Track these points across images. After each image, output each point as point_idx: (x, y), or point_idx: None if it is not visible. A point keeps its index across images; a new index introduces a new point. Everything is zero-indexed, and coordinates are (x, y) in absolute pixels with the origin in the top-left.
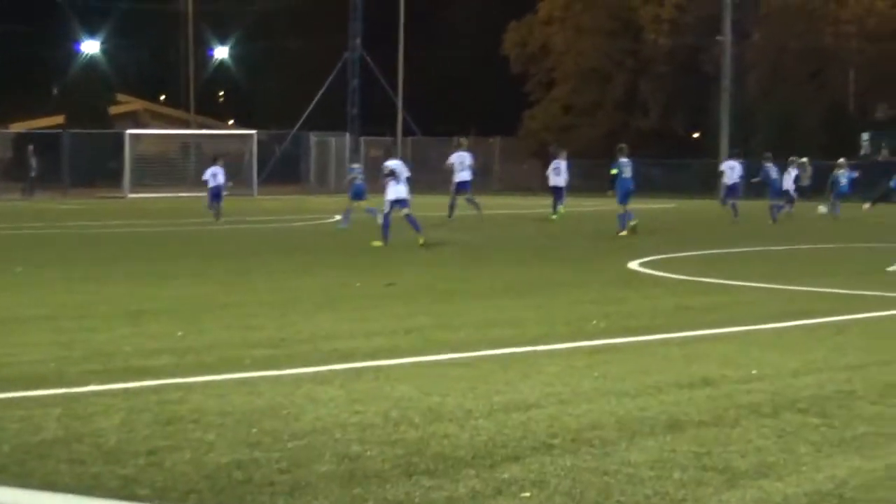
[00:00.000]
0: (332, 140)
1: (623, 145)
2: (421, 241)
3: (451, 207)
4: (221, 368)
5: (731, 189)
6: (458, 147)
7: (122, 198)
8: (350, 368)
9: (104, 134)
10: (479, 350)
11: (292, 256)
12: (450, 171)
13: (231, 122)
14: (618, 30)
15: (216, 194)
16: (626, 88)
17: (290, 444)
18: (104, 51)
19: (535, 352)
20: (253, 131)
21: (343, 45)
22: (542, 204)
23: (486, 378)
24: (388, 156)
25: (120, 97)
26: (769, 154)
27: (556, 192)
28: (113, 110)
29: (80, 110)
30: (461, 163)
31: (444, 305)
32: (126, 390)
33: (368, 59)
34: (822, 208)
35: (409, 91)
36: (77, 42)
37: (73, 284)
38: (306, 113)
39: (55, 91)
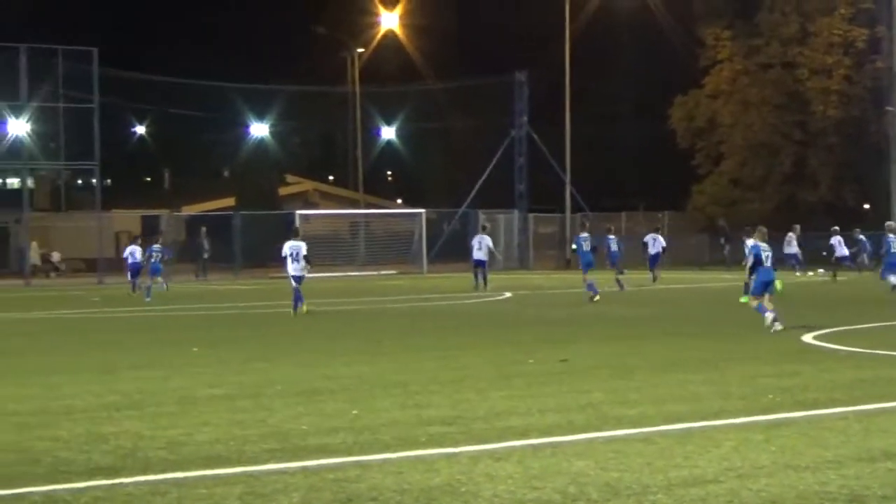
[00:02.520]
0: (501, 217)
1: (584, 221)
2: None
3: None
4: (397, 446)
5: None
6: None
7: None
8: (526, 445)
9: (274, 215)
10: (655, 425)
11: (463, 333)
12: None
13: (399, 200)
14: (785, 103)
15: (135, 272)
16: (794, 161)
17: None
18: (273, 133)
19: (711, 426)
20: (422, 210)
21: (509, 124)
22: (710, 278)
23: (662, 453)
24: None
25: (289, 178)
26: (891, 223)
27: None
28: (283, 191)
29: (251, 192)
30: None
31: (617, 381)
32: (304, 468)
33: (534, 136)
34: None
35: (576, 167)
36: (246, 125)
37: (248, 364)
38: (474, 191)
39: (226, 173)
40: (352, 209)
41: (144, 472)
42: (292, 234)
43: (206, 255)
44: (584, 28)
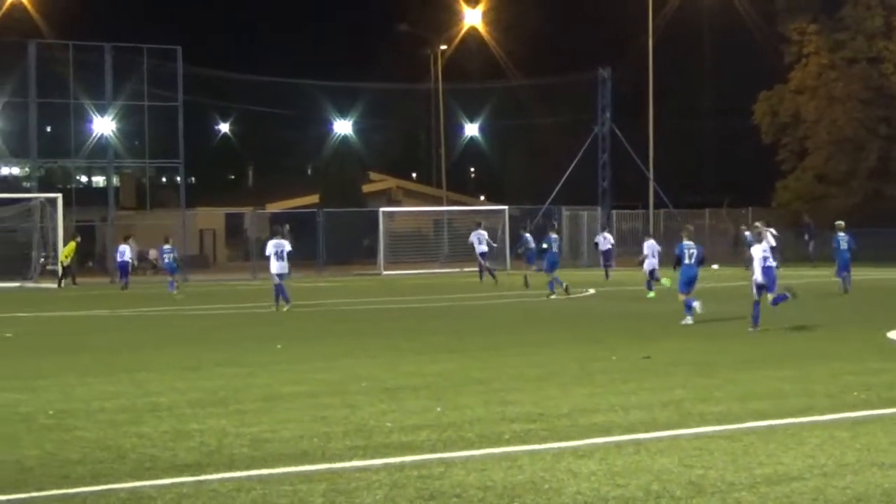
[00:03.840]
0: (584, 214)
1: (554, 223)
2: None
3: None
4: (481, 443)
5: None
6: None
7: (377, 275)
8: (609, 442)
9: (358, 212)
10: (739, 422)
11: (545, 330)
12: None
13: (482, 197)
14: (871, 98)
15: (124, 270)
16: (879, 156)
17: None
18: (357, 131)
19: (796, 423)
20: (504, 207)
21: (592, 120)
22: (794, 274)
23: (747, 451)
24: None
25: (373, 175)
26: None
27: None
28: (366, 188)
29: (334, 189)
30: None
31: (700, 378)
32: (388, 465)
33: (618, 132)
34: None
35: (659, 163)
36: (330, 123)
37: (332, 361)
38: (557, 187)
39: (310, 171)
40: (435, 206)
41: (229, 469)
42: (276, 233)
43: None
44: (667, 24)
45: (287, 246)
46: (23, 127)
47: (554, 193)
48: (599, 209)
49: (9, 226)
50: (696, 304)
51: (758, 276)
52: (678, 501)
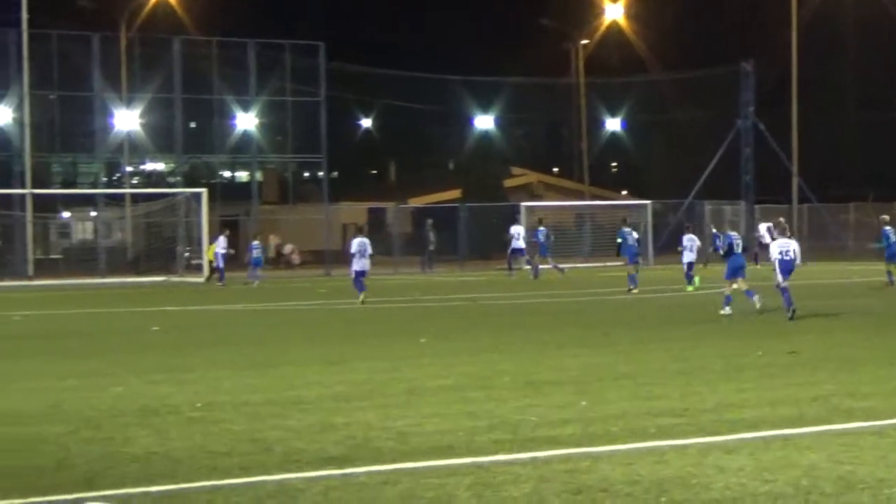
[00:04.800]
0: (727, 208)
1: (626, 217)
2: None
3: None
4: (627, 438)
5: None
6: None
7: (519, 269)
8: (757, 437)
9: (500, 207)
10: (889, 418)
11: (689, 325)
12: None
13: (624, 192)
14: None
15: (257, 264)
16: None
17: None
18: (498, 125)
19: None
20: (647, 202)
21: (734, 114)
22: None
23: None
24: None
25: (514, 170)
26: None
27: None
28: (507, 183)
29: (476, 184)
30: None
31: (848, 374)
32: (534, 459)
33: (761, 126)
34: None
35: (803, 157)
36: (471, 118)
37: (476, 355)
38: (700, 181)
39: (451, 166)
40: (576, 201)
41: (375, 462)
42: (359, 231)
43: (431, 248)
44: (811, 16)
45: (369, 247)
46: (168, 123)
47: (696, 188)
48: (743, 203)
49: (154, 220)
50: (755, 298)
51: (778, 274)
52: (828, 497)
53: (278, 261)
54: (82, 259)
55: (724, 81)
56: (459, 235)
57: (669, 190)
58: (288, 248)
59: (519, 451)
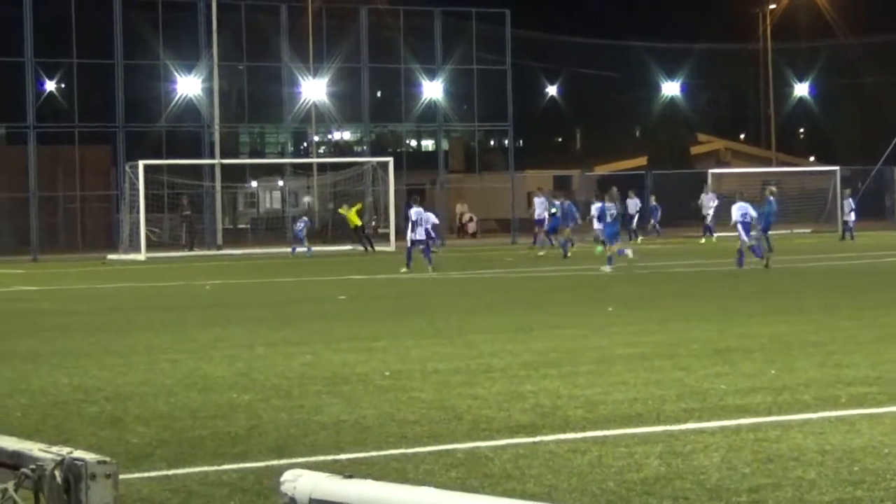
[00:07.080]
0: None
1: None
2: None
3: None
4: (817, 406)
5: None
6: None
7: (710, 236)
8: None
9: (687, 174)
10: None
11: (881, 292)
12: None
13: (812, 158)
14: None
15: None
16: None
17: (893, 483)
18: (684, 92)
19: None
20: (835, 168)
21: None
22: None
23: None
24: None
25: (701, 137)
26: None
27: None
28: (694, 150)
29: (662, 151)
30: None
31: None
32: (723, 428)
33: None
34: None
35: None
36: (658, 84)
37: (665, 324)
38: (889, 148)
39: (637, 133)
40: (763, 167)
41: (564, 431)
42: (415, 201)
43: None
44: None
45: (433, 218)
46: (355, 92)
47: (886, 153)
48: None
49: (342, 190)
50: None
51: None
52: None
53: (464, 230)
54: (270, 228)
55: None
56: (646, 202)
57: (859, 156)
58: (466, 217)
59: (708, 420)
